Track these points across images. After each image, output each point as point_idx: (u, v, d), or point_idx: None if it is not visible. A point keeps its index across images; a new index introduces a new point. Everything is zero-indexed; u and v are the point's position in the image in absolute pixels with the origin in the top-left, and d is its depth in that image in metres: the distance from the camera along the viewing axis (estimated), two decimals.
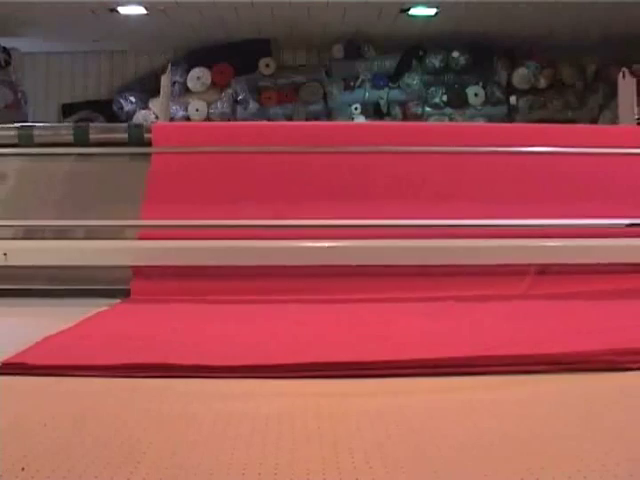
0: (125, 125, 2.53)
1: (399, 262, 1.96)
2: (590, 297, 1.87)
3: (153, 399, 1.04)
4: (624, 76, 2.54)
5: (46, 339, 1.36)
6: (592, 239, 1.99)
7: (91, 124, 2.39)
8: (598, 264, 1.96)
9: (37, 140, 2.25)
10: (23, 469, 0.77)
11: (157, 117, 8.67)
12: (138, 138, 2.22)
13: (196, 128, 2.76)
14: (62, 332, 1.44)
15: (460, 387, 1.12)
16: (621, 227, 2.02)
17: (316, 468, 0.79)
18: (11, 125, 2.33)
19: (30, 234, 2.06)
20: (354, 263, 1.97)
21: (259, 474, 0.77)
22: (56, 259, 1.96)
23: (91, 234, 2.05)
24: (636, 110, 2.42)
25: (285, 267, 1.94)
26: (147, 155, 2.19)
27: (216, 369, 1.17)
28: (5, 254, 1.93)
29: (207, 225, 1.98)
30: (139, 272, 1.96)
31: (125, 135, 2.26)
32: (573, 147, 2.17)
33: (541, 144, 2.19)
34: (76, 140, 2.24)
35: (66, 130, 2.30)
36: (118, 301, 1.87)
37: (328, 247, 1.96)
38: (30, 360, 1.20)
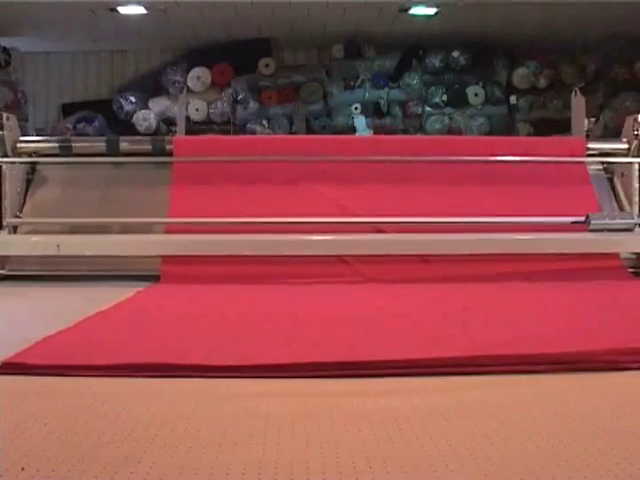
0: (150, 138, 2.87)
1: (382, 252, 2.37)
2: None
3: (153, 399, 1.04)
4: (575, 94, 2.95)
5: (46, 339, 1.36)
6: (545, 233, 2.39)
7: (121, 137, 2.73)
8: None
9: (75, 151, 2.61)
10: (23, 469, 0.77)
11: (156, 117, 8.68)
12: (161, 149, 2.60)
13: (210, 141, 3.25)
14: (62, 332, 1.44)
15: (460, 387, 1.12)
16: (567, 224, 2.41)
17: (316, 468, 0.79)
18: (53, 138, 2.77)
19: (76, 229, 2.46)
20: (343, 253, 2.36)
21: (259, 474, 0.77)
22: (99, 250, 2.36)
23: (126, 229, 2.46)
24: (585, 123, 2.78)
25: (285, 256, 2.34)
26: (169, 163, 2.56)
27: (216, 369, 1.17)
28: (58, 245, 2.31)
29: (222, 222, 2.39)
30: (167, 260, 2.34)
31: (150, 146, 2.63)
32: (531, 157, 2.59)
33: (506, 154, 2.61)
34: (108, 151, 2.60)
35: (100, 142, 2.68)
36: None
37: (323, 240, 2.37)
38: (30, 360, 1.20)
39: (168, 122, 8.76)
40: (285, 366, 1.19)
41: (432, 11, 7.42)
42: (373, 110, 8.60)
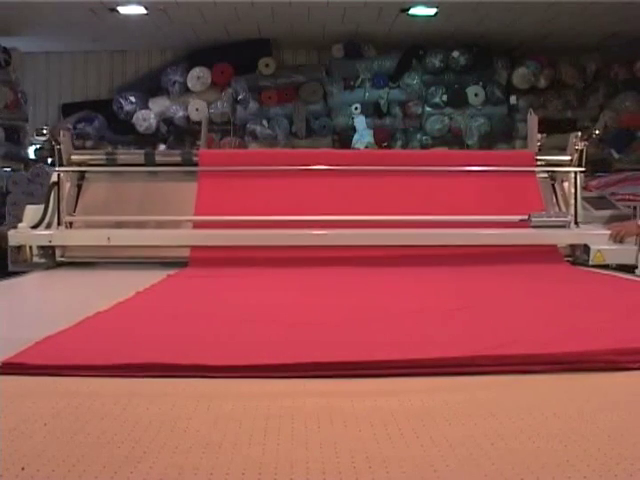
0: (180, 151, 3.49)
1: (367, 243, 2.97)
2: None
3: (153, 399, 1.04)
4: (530, 114, 3.50)
5: (46, 339, 1.36)
6: (497, 229, 2.96)
7: (156, 151, 3.28)
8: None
9: (120, 162, 3.16)
10: (23, 469, 0.77)
11: (156, 117, 8.68)
12: (189, 160, 3.14)
13: (230, 154, 4.07)
14: (62, 332, 1.44)
15: (460, 387, 1.12)
16: (515, 221, 2.95)
17: (316, 468, 0.79)
18: (101, 151, 3.41)
19: (119, 225, 3.03)
20: (339, 244, 2.93)
21: (259, 474, 0.77)
22: (140, 241, 2.97)
23: (160, 225, 3.06)
24: (538, 137, 3.28)
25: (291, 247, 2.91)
26: (195, 172, 3.12)
27: (216, 369, 1.17)
28: (109, 238, 2.88)
29: (238, 220, 2.95)
30: (194, 249, 2.94)
31: (180, 158, 3.19)
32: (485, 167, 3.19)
33: (469, 164, 3.20)
34: (146, 161, 3.14)
35: (139, 155, 3.22)
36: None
37: (321, 234, 2.92)
38: (30, 360, 1.20)
39: (168, 122, 8.77)
40: (285, 366, 1.19)
41: (432, 11, 7.42)
42: (373, 110, 8.59)
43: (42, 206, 3.04)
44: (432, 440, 0.87)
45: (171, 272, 2.63)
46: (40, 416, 0.95)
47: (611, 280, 2.55)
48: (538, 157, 3.23)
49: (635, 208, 6.56)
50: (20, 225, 2.99)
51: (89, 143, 8.47)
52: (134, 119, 8.63)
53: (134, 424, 0.92)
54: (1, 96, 7.68)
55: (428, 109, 8.58)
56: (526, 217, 2.92)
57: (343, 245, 2.95)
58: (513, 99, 8.62)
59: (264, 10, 7.29)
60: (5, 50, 7.82)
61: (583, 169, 3.14)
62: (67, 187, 3.07)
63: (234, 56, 8.40)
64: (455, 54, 8.39)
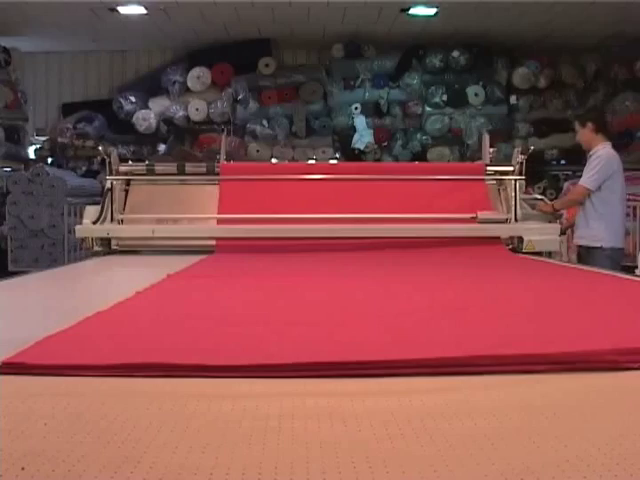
0: (205, 163, 4.22)
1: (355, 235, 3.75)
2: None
3: (153, 399, 1.04)
4: (484, 134, 4.29)
5: (46, 339, 1.36)
6: (453, 224, 3.77)
7: (187, 164, 4.08)
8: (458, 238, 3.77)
9: (157, 171, 4.03)
10: (23, 469, 0.77)
11: (156, 117, 8.68)
12: (212, 170, 3.99)
13: (246, 167, 4.86)
14: (62, 332, 1.44)
15: (460, 387, 1.12)
16: (467, 219, 3.74)
17: (316, 468, 0.79)
18: (141, 164, 4.30)
19: (159, 221, 3.82)
20: (334, 236, 3.71)
21: (259, 474, 0.77)
22: (177, 234, 3.83)
23: (191, 221, 3.91)
24: (490, 151, 4.17)
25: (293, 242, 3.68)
26: (217, 181, 3.97)
27: (216, 369, 1.17)
28: (153, 231, 3.71)
29: (253, 219, 3.74)
30: (219, 240, 3.73)
31: (204, 169, 4.03)
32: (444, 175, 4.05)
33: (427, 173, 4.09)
34: (178, 171, 4.00)
35: (172, 166, 4.08)
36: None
37: (319, 229, 3.68)
38: (30, 360, 1.20)
39: (168, 122, 8.77)
40: (285, 366, 1.19)
41: (432, 11, 7.43)
42: (373, 110, 8.60)
43: (99, 206, 3.82)
44: (432, 440, 0.87)
45: (171, 272, 2.65)
46: (40, 416, 0.95)
47: (610, 280, 2.55)
48: (488, 168, 4.03)
49: (635, 208, 6.56)
50: (84, 221, 3.81)
51: (89, 143, 8.47)
52: (134, 119, 8.64)
53: (134, 424, 0.92)
54: (1, 96, 7.69)
55: (428, 109, 8.59)
56: (475, 215, 3.72)
57: (336, 237, 3.67)
58: (513, 99, 8.62)
59: (264, 10, 7.29)
60: (5, 50, 7.83)
61: (523, 177, 3.93)
62: (117, 192, 3.86)
63: (234, 56, 8.41)
64: (455, 54, 8.39)
